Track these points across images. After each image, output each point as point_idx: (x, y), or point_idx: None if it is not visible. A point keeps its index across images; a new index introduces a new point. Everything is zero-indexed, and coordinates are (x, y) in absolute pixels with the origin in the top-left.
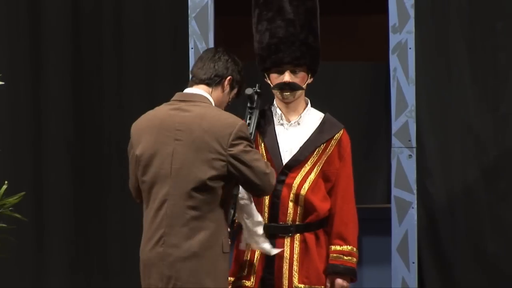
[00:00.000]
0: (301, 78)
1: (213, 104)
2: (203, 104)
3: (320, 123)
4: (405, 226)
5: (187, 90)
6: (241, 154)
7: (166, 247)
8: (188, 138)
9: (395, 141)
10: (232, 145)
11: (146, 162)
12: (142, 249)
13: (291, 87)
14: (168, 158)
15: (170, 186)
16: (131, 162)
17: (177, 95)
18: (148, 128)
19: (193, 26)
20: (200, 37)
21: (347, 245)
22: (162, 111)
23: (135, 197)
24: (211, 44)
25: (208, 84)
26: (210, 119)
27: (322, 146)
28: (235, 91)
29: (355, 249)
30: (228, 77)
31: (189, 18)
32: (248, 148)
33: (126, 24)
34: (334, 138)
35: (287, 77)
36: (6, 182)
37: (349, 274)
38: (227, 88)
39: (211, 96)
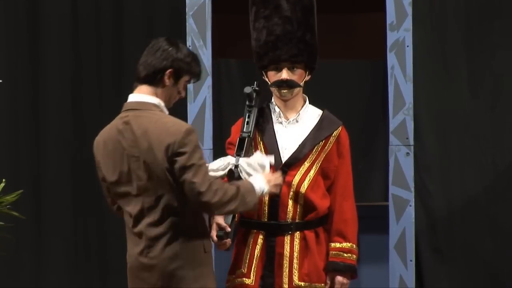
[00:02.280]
0: (299, 75)
1: (162, 103)
2: (148, 112)
3: (319, 120)
4: (403, 224)
5: (132, 97)
6: (181, 167)
7: (149, 259)
8: (140, 154)
9: (392, 139)
10: (176, 155)
11: (112, 184)
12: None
13: (289, 84)
14: (129, 177)
15: (139, 204)
16: (100, 180)
17: (125, 105)
18: (105, 149)
19: (190, 24)
20: (198, 35)
21: (347, 242)
22: (113, 128)
23: (110, 204)
24: (209, 42)
25: (149, 83)
26: (154, 130)
27: (321, 143)
28: (185, 80)
29: (355, 246)
30: (168, 70)
31: (186, 16)
32: (190, 162)
33: (124, 23)
34: (333, 135)
35: (285, 74)
36: (3, 180)
37: (349, 271)
38: (169, 82)
39: (156, 96)
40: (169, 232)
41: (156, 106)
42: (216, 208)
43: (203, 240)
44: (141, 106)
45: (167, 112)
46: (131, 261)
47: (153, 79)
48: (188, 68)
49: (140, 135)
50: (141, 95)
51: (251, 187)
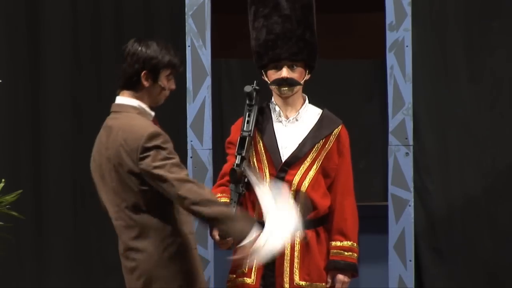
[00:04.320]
0: (299, 74)
1: (142, 105)
2: (125, 114)
3: (319, 119)
4: (402, 224)
5: (116, 100)
6: (149, 168)
7: (129, 261)
8: (110, 156)
9: (392, 139)
10: (141, 159)
11: (97, 184)
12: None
13: (289, 82)
14: (105, 179)
15: (112, 206)
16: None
17: (112, 106)
18: (95, 149)
19: (190, 24)
20: (197, 35)
21: (347, 240)
22: (102, 128)
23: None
24: (208, 42)
25: (128, 88)
26: (122, 133)
27: (321, 142)
28: (165, 74)
29: (355, 245)
30: (143, 72)
31: (186, 16)
32: (158, 163)
33: (124, 22)
34: (333, 133)
35: (285, 72)
36: (3, 180)
37: (350, 269)
38: (147, 83)
39: (136, 98)
40: (140, 233)
41: (134, 108)
42: (188, 204)
43: (176, 239)
44: (120, 109)
45: (151, 113)
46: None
47: (130, 84)
48: (163, 62)
49: (112, 137)
50: (122, 97)
51: (246, 227)
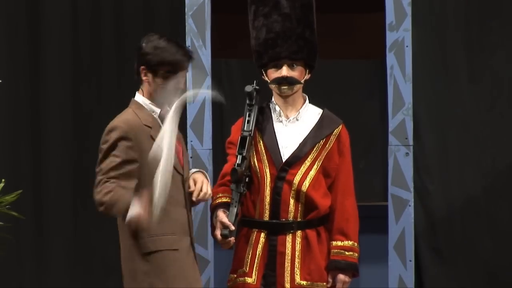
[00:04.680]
0: (299, 73)
1: (146, 100)
2: (125, 110)
3: (319, 119)
4: (402, 224)
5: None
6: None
7: None
8: None
9: (392, 139)
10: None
11: None
12: None
13: (289, 81)
14: None
15: None
16: None
17: None
18: None
19: (190, 24)
20: (197, 35)
21: (348, 240)
22: None
23: None
24: (208, 42)
25: (139, 84)
26: None
27: (322, 142)
28: (162, 71)
29: (356, 244)
30: (141, 67)
31: (186, 16)
32: (100, 157)
33: (125, 22)
34: (334, 133)
35: (284, 71)
36: (3, 180)
37: (351, 269)
38: (146, 78)
39: (142, 94)
40: (119, 229)
41: (135, 103)
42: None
43: (144, 239)
44: (130, 104)
45: (154, 109)
46: None
47: (138, 80)
48: (158, 59)
49: None
50: (137, 93)
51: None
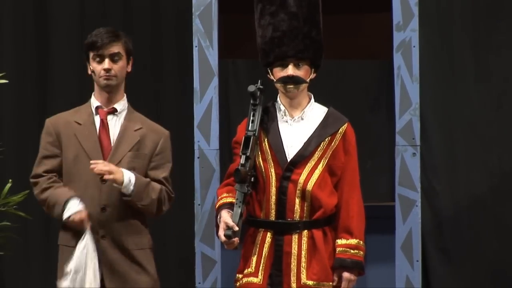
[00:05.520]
0: (305, 72)
1: (96, 92)
2: None
3: (324, 117)
4: (409, 224)
5: None
6: None
7: None
8: None
9: (399, 139)
10: None
11: None
12: None
13: (294, 80)
14: None
15: None
16: None
17: None
18: None
19: (197, 24)
20: (204, 35)
21: (353, 238)
22: None
23: None
24: (215, 42)
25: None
26: None
27: (327, 140)
28: (91, 56)
29: (361, 242)
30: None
31: (193, 16)
32: None
33: (132, 23)
34: (339, 132)
35: (290, 70)
36: (10, 180)
37: (357, 267)
38: (88, 68)
39: None
40: None
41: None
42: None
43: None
44: None
45: (93, 105)
46: None
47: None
48: (85, 46)
49: None
50: None
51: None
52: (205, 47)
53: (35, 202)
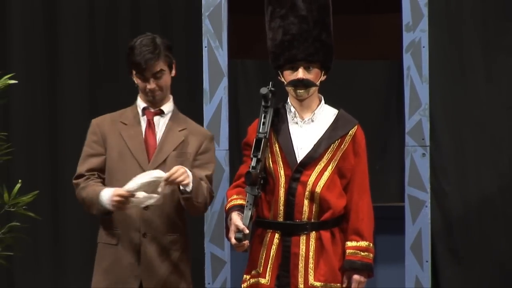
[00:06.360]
0: (315, 75)
1: (141, 99)
2: None
3: (334, 120)
4: (419, 225)
5: None
6: None
7: None
8: None
9: (408, 139)
10: None
11: None
12: None
13: (305, 83)
14: None
15: None
16: None
17: None
18: None
19: (206, 25)
20: (214, 36)
21: (363, 240)
22: None
23: None
24: (225, 43)
25: None
26: None
27: (337, 142)
28: (133, 72)
29: (371, 245)
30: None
31: (202, 17)
32: None
33: (141, 23)
34: (349, 134)
35: (301, 73)
36: (20, 181)
37: (366, 269)
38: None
39: None
40: None
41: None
42: None
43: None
44: None
45: (139, 104)
46: None
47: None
48: (128, 60)
49: None
50: None
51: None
52: (215, 48)
53: (44, 202)
